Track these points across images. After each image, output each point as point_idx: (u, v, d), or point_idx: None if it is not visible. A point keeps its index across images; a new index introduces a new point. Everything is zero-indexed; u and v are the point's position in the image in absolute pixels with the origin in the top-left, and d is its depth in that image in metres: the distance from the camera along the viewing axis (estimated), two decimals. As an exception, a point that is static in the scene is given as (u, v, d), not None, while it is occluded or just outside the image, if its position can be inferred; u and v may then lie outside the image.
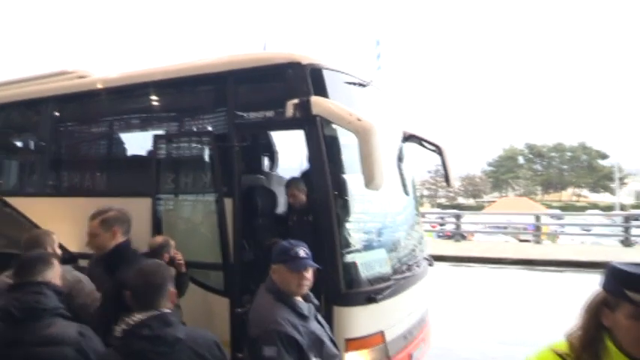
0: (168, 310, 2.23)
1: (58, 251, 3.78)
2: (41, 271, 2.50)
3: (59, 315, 2.42)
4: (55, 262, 2.66)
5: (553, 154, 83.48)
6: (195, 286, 4.33)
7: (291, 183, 5.12)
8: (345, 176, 4.13)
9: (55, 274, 2.60)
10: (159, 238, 4.30)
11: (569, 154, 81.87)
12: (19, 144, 7.01)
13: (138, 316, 2.13)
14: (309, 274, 2.82)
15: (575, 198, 78.76)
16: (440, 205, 66.92)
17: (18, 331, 2.28)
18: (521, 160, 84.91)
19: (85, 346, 2.33)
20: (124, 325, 2.13)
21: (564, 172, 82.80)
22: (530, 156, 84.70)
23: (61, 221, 4.93)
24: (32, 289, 2.40)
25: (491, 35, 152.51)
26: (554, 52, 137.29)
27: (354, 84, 4.62)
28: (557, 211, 37.60)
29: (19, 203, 5.05)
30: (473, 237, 21.51)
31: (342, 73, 4.57)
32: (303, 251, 2.85)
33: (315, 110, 3.90)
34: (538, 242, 18.70)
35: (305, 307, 2.80)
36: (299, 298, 2.82)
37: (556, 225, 22.98)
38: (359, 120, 3.57)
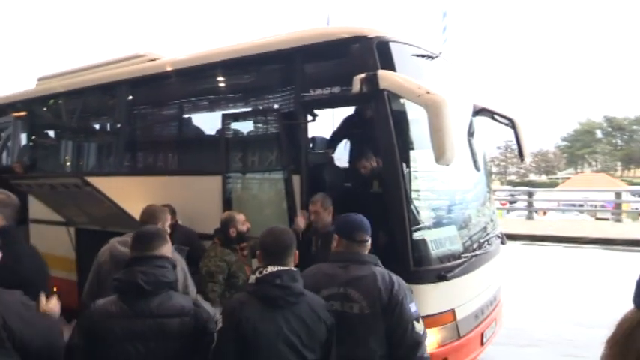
0: (295, 268, 2.50)
1: (168, 229, 3.97)
2: (159, 245, 2.59)
3: (173, 288, 2.52)
4: (168, 238, 2.76)
5: (635, 127, 78.46)
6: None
7: (361, 156, 5.01)
8: (414, 151, 4.04)
9: (169, 249, 2.72)
10: (225, 214, 4.46)
11: (653, 126, 76.75)
12: (96, 126, 7.38)
13: (270, 268, 2.41)
14: None
15: (659, 174, 73.92)
16: (510, 183, 64.78)
17: (146, 302, 2.37)
18: (599, 134, 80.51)
19: (200, 316, 2.47)
20: (257, 273, 2.42)
21: (647, 146, 77.75)
22: (610, 130, 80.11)
23: (138, 199, 5.15)
24: (157, 263, 2.48)
25: (565, 1, 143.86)
26: (635, 15, 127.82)
27: (422, 56, 4.48)
28: (639, 188, 35.47)
29: (99, 182, 5.29)
30: (545, 215, 20.70)
31: (410, 45, 4.44)
32: None
33: (382, 84, 3.81)
34: (618, 221, 17.70)
35: None
36: None
37: (638, 202, 21.62)
38: (428, 93, 3.45)
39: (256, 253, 2.61)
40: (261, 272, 2.42)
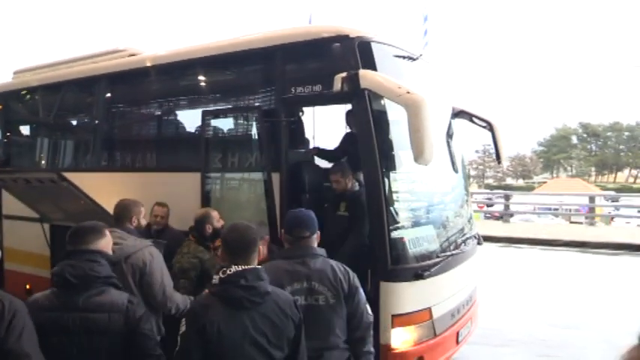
0: (259, 266, 2.42)
1: (144, 222, 3.95)
2: (94, 240, 2.56)
3: (111, 284, 2.49)
4: (107, 233, 2.71)
5: (609, 133, 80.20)
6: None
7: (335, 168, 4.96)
8: (393, 151, 4.07)
9: (107, 243, 2.67)
10: (200, 211, 4.43)
11: (626, 133, 78.47)
12: (74, 121, 7.27)
13: (234, 268, 2.31)
14: None
15: (631, 180, 75.52)
16: (487, 186, 65.58)
17: (73, 296, 2.37)
18: (574, 139, 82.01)
19: (132, 314, 2.42)
20: (220, 274, 2.31)
21: (621, 152, 79.43)
22: (585, 135, 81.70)
23: (115, 195, 5.10)
24: (87, 257, 2.46)
25: (543, 8, 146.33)
26: (609, 24, 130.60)
27: (403, 57, 4.52)
28: (612, 193, 36.25)
29: (75, 178, 5.22)
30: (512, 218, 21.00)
31: (391, 46, 4.48)
32: None
33: (363, 84, 3.83)
34: (591, 224, 18.06)
35: None
36: None
37: (611, 207, 22.10)
38: (408, 93, 3.49)
39: (219, 250, 2.56)
40: (224, 272, 2.32)
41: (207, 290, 2.39)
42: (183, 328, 2.28)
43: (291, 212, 3.10)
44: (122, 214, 3.88)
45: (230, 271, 2.31)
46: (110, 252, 2.71)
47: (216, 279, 2.34)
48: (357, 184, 4.50)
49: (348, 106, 5.02)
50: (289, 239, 2.93)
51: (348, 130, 5.41)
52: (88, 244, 2.52)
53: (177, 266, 4.11)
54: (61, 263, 2.45)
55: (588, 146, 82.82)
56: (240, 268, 2.31)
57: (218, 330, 2.21)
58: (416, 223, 4.25)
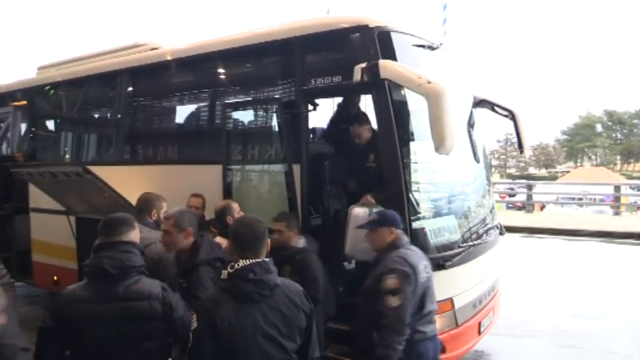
0: (268, 259, 2.40)
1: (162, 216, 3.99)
2: (125, 231, 2.61)
3: (142, 272, 2.57)
4: (136, 224, 2.78)
5: (635, 121, 78.43)
6: (264, 250, 4.43)
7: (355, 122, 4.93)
8: (414, 142, 4.05)
9: (137, 235, 2.74)
10: (221, 202, 4.47)
11: (653, 121, 76.67)
12: (97, 115, 7.38)
13: (242, 262, 2.31)
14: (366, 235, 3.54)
15: (658, 168, 73.85)
16: (510, 176, 64.82)
17: (112, 286, 2.44)
18: (599, 127, 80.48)
19: (168, 300, 2.53)
20: (229, 269, 2.32)
21: (648, 140, 77.73)
22: (610, 123, 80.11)
23: (140, 187, 5.18)
24: (123, 248, 2.52)
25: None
26: (635, 8, 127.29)
27: (423, 47, 4.48)
28: (639, 182, 35.52)
29: (100, 171, 5.31)
30: (543, 209, 20.75)
31: (411, 35, 4.45)
32: (371, 217, 3.58)
33: (383, 74, 3.82)
34: (617, 214, 17.73)
35: None
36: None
37: (637, 196, 21.66)
38: (429, 82, 3.47)
39: (227, 243, 2.56)
40: (233, 267, 2.32)
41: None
42: (194, 325, 2.29)
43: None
44: (143, 207, 3.95)
45: (238, 265, 2.31)
46: (138, 242, 2.76)
47: (224, 274, 2.34)
48: (301, 240, 4.14)
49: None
50: None
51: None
52: (121, 235, 2.58)
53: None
54: (97, 255, 2.50)
55: (613, 134, 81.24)
56: (249, 262, 2.31)
57: (229, 325, 2.22)
58: (437, 214, 4.24)
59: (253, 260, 2.33)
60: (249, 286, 2.27)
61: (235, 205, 4.37)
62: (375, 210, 3.89)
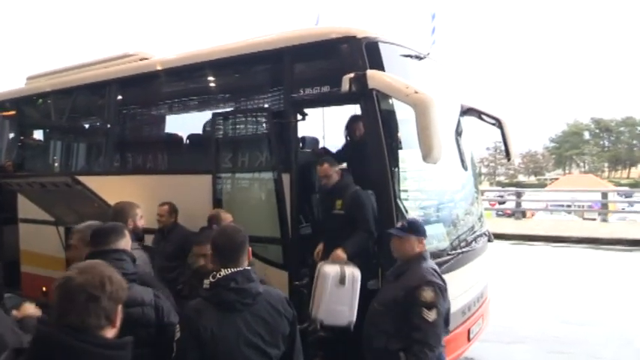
0: (249, 267, 2.44)
1: (140, 223, 4.00)
2: (116, 240, 2.65)
3: (134, 280, 2.57)
4: (127, 233, 2.82)
5: (622, 128, 79.34)
6: (254, 259, 4.44)
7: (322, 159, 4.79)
8: (402, 150, 4.10)
9: (127, 243, 2.77)
10: (212, 212, 4.50)
11: (639, 128, 77.52)
12: (87, 125, 7.37)
13: (224, 272, 2.34)
14: (394, 242, 3.35)
15: (645, 175, 74.58)
16: (499, 183, 65.20)
17: None
18: (586, 135, 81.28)
19: (161, 307, 2.57)
20: (211, 278, 2.34)
21: (634, 147, 78.56)
22: (597, 131, 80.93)
23: (129, 197, 5.18)
24: (114, 256, 2.54)
25: (553, 3, 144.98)
26: (621, 18, 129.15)
27: (411, 57, 4.55)
28: (626, 189, 35.88)
29: (89, 181, 5.32)
30: (533, 215, 20.89)
31: (398, 46, 4.51)
32: (401, 223, 3.47)
33: (371, 84, 3.87)
34: (605, 220, 17.89)
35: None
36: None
37: (624, 203, 21.88)
38: (416, 92, 3.51)
39: (208, 254, 2.60)
40: (214, 277, 2.34)
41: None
42: (177, 334, 2.30)
43: None
44: (118, 217, 3.93)
45: (220, 274, 2.33)
46: (129, 250, 2.79)
47: (206, 283, 2.35)
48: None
49: (351, 112, 5.10)
50: None
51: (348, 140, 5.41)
52: (111, 243, 2.62)
53: (195, 266, 4.16)
54: None
55: (601, 142, 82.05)
56: (230, 271, 2.33)
57: (212, 334, 2.23)
58: (425, 222, 4.25)
59: (235, 269, 2.34)
60: (230, 294, 2.29)
61: (226, 216, 4.35)
62: (346, 267, 3.80)
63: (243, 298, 2.31)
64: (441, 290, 3.10)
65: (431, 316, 3.00)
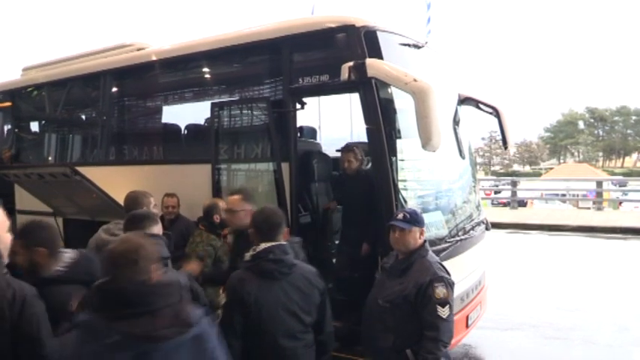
0: (284, 242, 2.75)
1: (155, 211, 4.02)
2: (150, 225, 2.84)
3: (166, 264, 2.67)
4: (159, 220, 3.01)
5: (616, 118, 79.61)
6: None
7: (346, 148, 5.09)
8: (401, 139, 4.12)
9: (160, 229, 2.96)
10: (207, 201, 4.53)
11: (634, 117, 77.85)
12: (85, 116, 7.34)
13: (263, 245, 2.66)
14: (396, 234, 3.17)
15: (639, 164, 74.96)
16: (494, 173, 65.40)
17: None
18: (581, 125, 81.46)
19: (195, 289, 2.78)
20: (252, 251, 2.67)
21: (628, 137, 78.88)
22: (592, 120, 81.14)
23: (129, 188, 5.19)
24: (155, 240, 2.60)
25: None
26: (616, 6, 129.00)
27: (409, 45, 4.56)
28: (620, 178, 36.07)
29: (87, 172, 5.30)
30: (532, 205, 21.01)
31: (397, 34, 4.51)
32: (402, 214, 3.23)
33: (370, 72, 3.88)
34: (599, 209, 18.02)
35: (390, 262, 3.30)
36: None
37: (619, 192, 22.03)
38: (415, 81, 3.53)
39: (249, 231, 2.85)
40: (255, 250, 2.65)
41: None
42: (224, 300, 2.67)
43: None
44: (131, 206, 3.97)
45: (259, 248, 2.65)
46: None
47: (247, 256, 2.68)
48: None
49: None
50: None
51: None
52: (146, 228, 2.77)
53: (193, 255, 4.20)
54: None
55: (595, 131, 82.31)
56: (269, 245, 2.65)
57: (255, 299, 2.54)
58: (424, 210, 4.30)
59: (272, 243, 2.66)
60: (269, 264, 2.61)
61: (222, 204, 4.38)
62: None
63: (281, 268, 2.62)
64: (451, 285, 3.08)
65: (445, 312, 2.96)
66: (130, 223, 2.85)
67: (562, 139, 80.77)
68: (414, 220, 3.19)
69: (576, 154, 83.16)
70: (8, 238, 2.05)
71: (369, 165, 4.49)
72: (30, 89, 7.47)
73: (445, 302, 2.98)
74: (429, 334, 2.95)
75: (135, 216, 2.94)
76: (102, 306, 1.78)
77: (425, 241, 3.24)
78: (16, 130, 7.80)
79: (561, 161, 79.71)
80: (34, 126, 7.82)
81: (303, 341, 2.67)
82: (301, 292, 2.66)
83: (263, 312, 2.54)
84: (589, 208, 19.13)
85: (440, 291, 2.98)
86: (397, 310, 3.06)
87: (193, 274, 3.57)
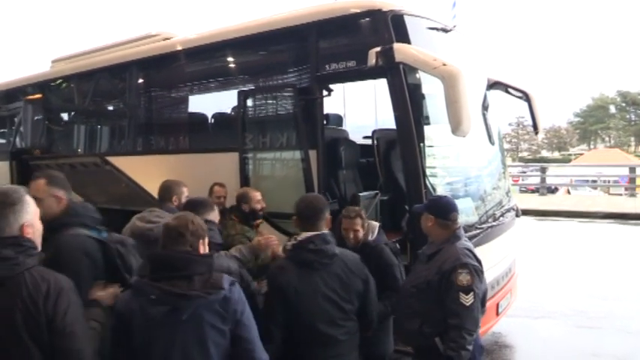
0: (326, 231, 2.77)
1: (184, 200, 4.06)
2: (205, 211, 2.95)
3: (218, 250, 2.78)
4: (215, 208, 3.15)
5: (650, 101, 77.20)
6: (282, 235, 4.48)
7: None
8: (429, 125, 4.07)
9: (216, 215, 3.09)
10: (239, 190, 4.48)
11: (668, 101, 75.53)
12: (113, 106, 7.44)
13: (304, 234, 2.71)
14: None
15: (674, 149, 72.80)
16: (522, 159, 64.34)
17: None
18: (612, 109, 79.29)
19: (245, 276, 2.87)
20: (292, 240, 2.73)
21: (662, 121, 76.67)
22: (623, 104, 78.86)
23: (157, 177, 5.26)
24: (208, 226, 2.66)
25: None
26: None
27: (437, 29, 4.47)
28: (654, 163, 35.12)
29: (116, 162, 5.40)
30: (568, 192, 20.64)
31: (424, 18, 4.44)
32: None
33: (398, 57, 3.82)
34: (632, 195, 17.57)
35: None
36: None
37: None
38: (444, 65, 3.47)
39: (292, 218, 2.91)
40: (296, 239, 2.71)
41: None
42: (265, 289, 2.77)
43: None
44: (164, 195, 4.02)
45: (300, 237, 2.70)
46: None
47: (289, 245, 2.76)
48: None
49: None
50: None
51: None
52: (202, 215, 2.81)
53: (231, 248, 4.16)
54: None
55: (627, 116, 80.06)
56: (310, 234, 2.68)
57: (295, 289, 2.61)
58: (454, 196, 4.23)
59: (313, 233, 2.69)
60: (309, 255, 2.65)
61: (254, 194, 4.23)
62: None
63: (321, 258, 2.65)
64: (477, 272, 2.95)
65: (468, 300, 2.87)
66: (186, 209, 2.97)
67: (592, 123, 78.82)
68: (426, 205, 3.28)
69: (607, 139, 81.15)
70: (41, 225, 2.06)
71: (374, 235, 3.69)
72: (59, 81, 7.59)
73: (469, 289, 2.88)
74: (452, 322, 2.89)
75: (191, 202, 3.12)
76: (151, 270, 2.12)
77: (458, 227, 3.15)
78: (47, 122, 7.96)
79: (591, 147, 77.89)
80: (64, 117, 7.97)
81: (343, 328, 2.69)
82: (341, 281, 2.67)
83: (302, 300, 2.60)
84: (621, 195, 18.70)
85: (463, 278, 2.89)
86: (422, 296, 3.03)
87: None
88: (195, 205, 3.00)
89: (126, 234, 3.71)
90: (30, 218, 1.98)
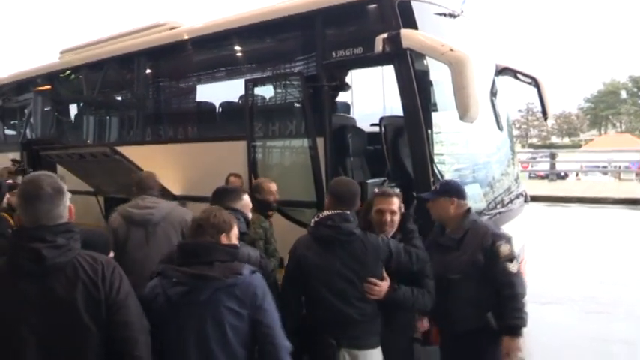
0: (348, 212, 2.85)
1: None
2: (233, 200, 3.04)
3: (242, 239, 2.77)
4: (246, 197, 3.18)
5: (661, 86, 76.17)
6: (291, 223, 4.50)
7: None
8: (437, 111, 4.05)
9: (245, 206, 3.13)
10: (256, 181, 4.48)
11: (680, 86, 74.47)
12: (122, 96, 7.47)
13: (326, 213, 2.85)
14: (428, 206, 3.35)
15: (686, 134, 71.82)
16: (531, 145, 63.87)
17: None
18: (623, 94, 78.23)
19: (265, 267, 2.88)
20: (315, 218, 2.89)
21: (674, 106, 75.65)
22: (635, 90, 77.80)
23: (166, 166, 5.29)
24: (234, 215, 2.66)
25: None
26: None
27: (444, 15, 4.44)
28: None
29: (126, 151, 5.41)
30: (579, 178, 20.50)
31: (431, 3, 4.41)
32: (434, 187, 3.49)
33: (405, 43, 3.79)
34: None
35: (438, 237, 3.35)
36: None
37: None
38: (452, 51, 3.44)
39: (325, 200, 3.06)
40: (318, 217, 2.87)
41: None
42: (286, 262, 2.95)
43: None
44: (146, 184, 4.02)
45: (322, 215, 2.86)
46: (248, 214, 3.14)
47: (312, 222, 2.90)
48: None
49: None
50: None
51: None
52: (230, 202, 2.95)
53: (246, 238, 4.14)
54: None
55: (639, 101, 79.09)
56: (331, 212, 2.83)
57: (313, 262, 2.78)
58: (462, 182, 4.24)
59: (335, 212, 2.82)
60: (327, 230, 2.78)
61: (267, 186, 4.16)
62: None
63: (338, 234, 2.75)
64: (509, 240, 3.14)
65: (514, 267, 3.03)
66: (215, 197, 3.09)
67: (603, 109, 77.90)
68: (442, 190, 3.28)
69: (618, 125, 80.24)
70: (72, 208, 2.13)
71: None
72: (68, 72, 7.63)
73: (512, 257, 3.05)
74: (506, 293, 3.00)
75: (219, 190, 3.21)
76: (178, 257, 2.27)
77: (469, 208, 3.28)
78: (56, 113, 8.01)
79: (602, 133, 77.09)
80: (74, 108, 8.01)
81: (359, 310, 2.75)
82: (359, 262, 2.75)
83: (319, 275, 2.74)
84: (632, 180, 18.55)
85: (504, 248, 3.04)
86: (468, 280, 3.09)
87: None
88: (219, 194, 3.11)
89: (116, 222, 3.79)
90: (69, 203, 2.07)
